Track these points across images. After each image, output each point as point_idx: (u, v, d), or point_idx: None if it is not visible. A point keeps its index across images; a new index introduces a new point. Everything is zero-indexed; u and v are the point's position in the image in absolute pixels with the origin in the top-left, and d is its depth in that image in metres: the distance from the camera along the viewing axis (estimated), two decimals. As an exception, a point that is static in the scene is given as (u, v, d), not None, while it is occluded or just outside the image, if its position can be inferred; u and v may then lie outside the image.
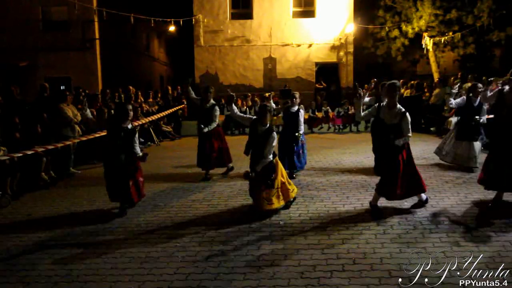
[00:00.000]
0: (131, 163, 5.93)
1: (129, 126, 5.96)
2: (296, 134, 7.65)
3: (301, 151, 7.84)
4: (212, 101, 7.94)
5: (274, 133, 5.71)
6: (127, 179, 5.89)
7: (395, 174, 5.43)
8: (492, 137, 6.18)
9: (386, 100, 5.58)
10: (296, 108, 7.77)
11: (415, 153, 9.86)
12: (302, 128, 7.81)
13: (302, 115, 7.85)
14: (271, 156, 5.66)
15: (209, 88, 8.01)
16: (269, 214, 5.67)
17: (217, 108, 7.96)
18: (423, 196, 5.79)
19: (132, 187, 5.93)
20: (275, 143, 5.69)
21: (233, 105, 6.53)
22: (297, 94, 7.94)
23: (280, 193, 5.75)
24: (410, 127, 5.39)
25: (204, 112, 7.89)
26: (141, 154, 5.97)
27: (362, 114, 5.81)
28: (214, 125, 7.83)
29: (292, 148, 7.69)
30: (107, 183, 6.06)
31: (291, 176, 7.70)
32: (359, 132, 14.94)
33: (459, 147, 7.96)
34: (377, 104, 5.83)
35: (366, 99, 6.51)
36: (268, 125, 5.75)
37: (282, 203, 5.79)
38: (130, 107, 6.02)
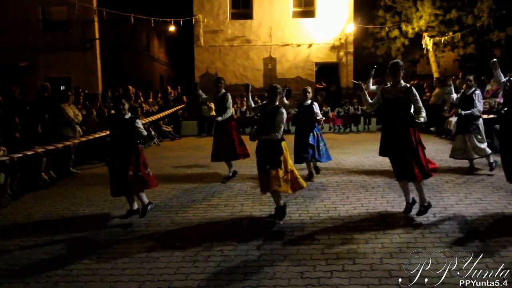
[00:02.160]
0: (135, 155, 5.84)
1: (127, 116, 5.87)
2: (318, 118, 7.76)
3: (321, 144, 7.77)
4: (223, 90, 7.94)
5: (283, 109, 5.50)
6: (130, 172, 5.74)
7: (413, 154, 5.22)
8: (503, 130, 5.99)
9: (390, 79, 5.46)
10: (309, 101, 7.79)
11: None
12: (320, 115, 7.89)
13: (317, 107, 7.89)
14: (281, 133, 5.42)
15: (220, 79, 8.05)
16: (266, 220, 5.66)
17: (229, 95, 7.88)
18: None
19: (137, 179, 5.76)
20: (284, 120, 5.46)
21: (249, 95, 6.45)
22: (309, 89, 7.96)
23: (289, 179, 5.48)
24: (419, 99, 5.26)
25: (217, 102, 7.93)
26: (146, 133, 5.99)
27: (372, 101, 5.61)
28: (229, 113, 7.79)
29: (307, 141, 7.61)
30: (112, 179, 5.86)
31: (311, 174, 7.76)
32: (359, 132, 14.95)
33: (457, 141, 8.01)
34: (381, 88, 5.64)
35: (373, 87, 6.40)
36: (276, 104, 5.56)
37: (290, 191, 5.54)
38: (124, 100, 5.99)
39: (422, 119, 5.18)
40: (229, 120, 7.89)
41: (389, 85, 5.50)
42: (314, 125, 7.75)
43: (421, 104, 5.24)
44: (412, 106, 5.26)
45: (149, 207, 5.88)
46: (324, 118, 8.03)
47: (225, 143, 7.79)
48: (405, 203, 5.64)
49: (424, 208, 5.34)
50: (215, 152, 7.91)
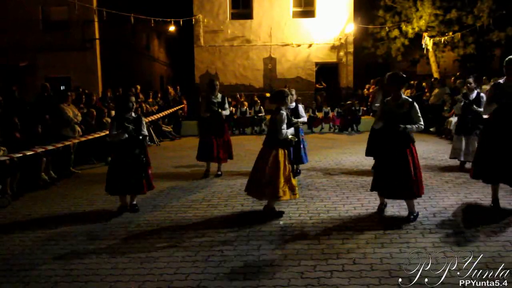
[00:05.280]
0: (143, 154, 6.00)
1: (134, 114, 6.02)
2: (301, 120, 7.77)
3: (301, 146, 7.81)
4: (219, 93, 8.12)
5: (282, 111, 5.54)
6: (141, 171, 5.93)
7: (407, 171, 5.21)
8: (487, 128, 5.84)
9: (392, 93, 5.36)
10: (293, 104, 7.76)
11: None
12: (304, 119, 8.00)
13: (302, 109, 7.95)
14: (284, 132, 5.48)
15: (214, 81, 8.13)
16: (270, 217, 5.66)
17: (225, 97, 8.21)
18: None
19: (143, 180, 6.00)
20: (285, 121, 5.51)
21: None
22: (293, 91, 7.86)
23: (289, 186, 5.61)
24: (420, 115, 5.26)
25: (215, 103, 7.99)
26: (147, 133, 6.15)
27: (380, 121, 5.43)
28: (228, 112, 8.21)
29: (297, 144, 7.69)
30: (111, 177, 5.96)
31: (296, 173, 7.78)
32: (359, 132, 14.95)
33: (457, 141, 7.99)
34: (382, 100, 5.62)
35: (376, 104, 6.45)
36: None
37: (290, 197, 5.66)
38: (133, 98, 6.08)
39: (414, 128, 5.23)
40: (226, 120, 8.28)
41: (389, 98, 5.41)
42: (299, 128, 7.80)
43: (421, 119, 5.30)
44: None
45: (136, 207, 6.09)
46: (305, 122, 8.24)
47: (221, 143, 7.99)
48: (381, 205, 5.73)
49: (414, 216, 5.35)
50: (206, 152, 8.00)
